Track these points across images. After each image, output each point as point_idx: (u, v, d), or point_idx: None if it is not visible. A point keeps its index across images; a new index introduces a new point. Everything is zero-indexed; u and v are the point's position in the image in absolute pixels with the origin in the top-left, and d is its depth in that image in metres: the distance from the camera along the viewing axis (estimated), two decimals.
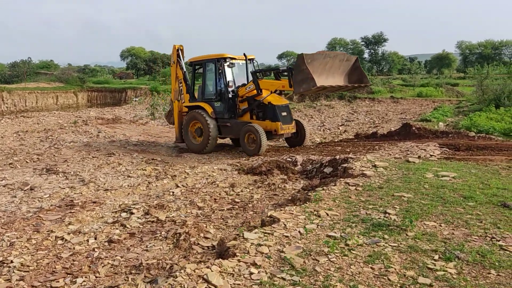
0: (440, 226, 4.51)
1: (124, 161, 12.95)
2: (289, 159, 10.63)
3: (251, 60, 14.27)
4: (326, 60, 11.33)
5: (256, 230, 4.79)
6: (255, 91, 12.93)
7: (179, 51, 15.19)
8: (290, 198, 8.05)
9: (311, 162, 10.18)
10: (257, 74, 13.21)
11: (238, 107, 13.65)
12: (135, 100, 34.75)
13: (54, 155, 14.23)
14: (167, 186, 9.88)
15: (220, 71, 13.59)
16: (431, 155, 8.96)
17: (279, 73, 13.38)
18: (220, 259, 4.14)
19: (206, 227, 6.75)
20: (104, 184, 10.29)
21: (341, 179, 6.57)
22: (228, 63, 13.52)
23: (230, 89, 13.51)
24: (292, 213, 5.00)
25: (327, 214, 4.88)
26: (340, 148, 12.04)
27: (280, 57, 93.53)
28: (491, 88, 19.51)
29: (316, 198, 5.55)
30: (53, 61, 68.76)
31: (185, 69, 15.19)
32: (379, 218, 4.73)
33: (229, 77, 13.62)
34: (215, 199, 8.37)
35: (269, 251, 4.15)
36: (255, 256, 4.05)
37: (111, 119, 24.81)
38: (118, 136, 18.57)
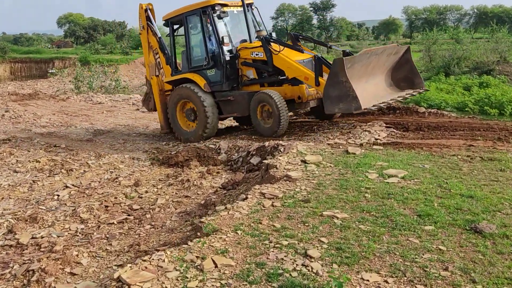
0: (386, 283, 2.92)
1: (19, 150, 10.72)
2: (212, 146, 8.85)
3: (249, 5, 10.23)
4: (371, 59, 8.32)
5: None
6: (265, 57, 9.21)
7: (148, 11, 11.22)
8: (203, 202, 6.36)
9: (237, 150, 8.45)
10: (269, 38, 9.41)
11: (241, 72, 9.80)
12: (50, 72, 31.39)
13: None
14: (56, 185, 7.89)
15: (208, 25, 9.75)
16: (376, 139, 7.45)
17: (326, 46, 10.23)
18: None
19: (77, 255, 4.90)
20: None
21: (257, 187, 4.88)
22: (218, 13, 9.63)
23: (226, 49, 9.66)
24: (161, 268, 3.23)
25: (216, 266, 3.17)
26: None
27: None
28: (440, 55, 18.42)
29: (209, 228, 3.81)
30: None
31: (159, 34, 11.27)
32: (293, 271, 3.06)
33: (222, 31, 9.75)
34: (106, 206, 6.50)
35: None
36: None
37: (27, 95, 21.94)
38: (26, 116, 16.03)
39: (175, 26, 10.90)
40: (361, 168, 5.43)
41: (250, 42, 9.76)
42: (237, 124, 11.80)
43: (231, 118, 11.17)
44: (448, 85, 12.54)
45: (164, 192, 7.10)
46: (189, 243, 3.53)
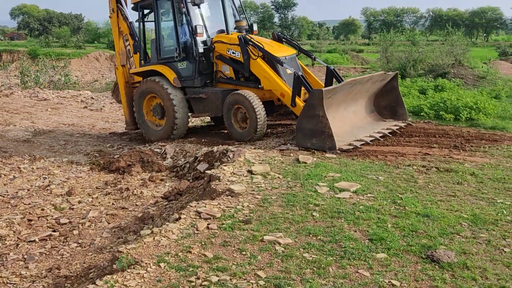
0: None
1: None
2: (157, 150, 8.22)
3: None
4: (354, 88, 7.61)
5: None
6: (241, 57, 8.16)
7: None
8: (140, 215, 5.77)
9: (184, 155, 7.87)
10: (249, 37, 8.27)
11: (216, 67, 8.68)
12: None
13: None
14: None
15: (181, 12, 8.67)
16: None
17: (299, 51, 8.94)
18: None
19: None
20: None
21: (193, 204, 4.33)
22: (191, 0, 8.50)
23: (200, 39, 8.55)
24: None
25: None
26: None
27: None
28: (396, 56, 18.47)
29: (126, 261, 3.22)
30: None
31: (131, 19, 10.10)
32: None
33: (196, 20, 8.68)
34: (30, 220, 5.77)
35: None
36: None
37: None
38: None
39: (146, 11, 9.78)
40: (311, 180, 4.99)
41: (227, 33, 8.84)
42: (213, 123, 10.72)
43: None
44: (404, 87, 12.39)
45: (99, 202, 6.44)
46: (97, 282, 2.94)
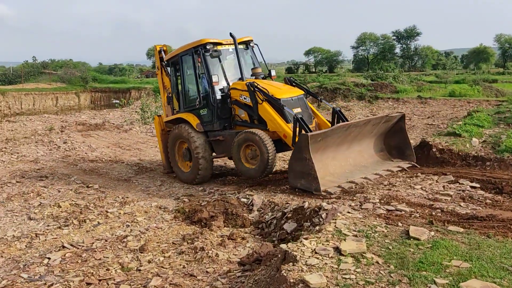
0: None
1: (50, 189, 9.94)
2: (244, 200, 7.28)
3: (247, 43, 10.00)
4: (350, 131, 7.81)
5: None
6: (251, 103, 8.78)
7: (162, 52, 11.13)
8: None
9: (272, 208, 6.81)
10: (256, 83, 8.80)
11: (234, 112, 9.26)
12: (114, 102, 31.71)
13: None
14: (58, 241, 6.74)
15: (200, 65, 9.36)
16: (452, 212, 5.41)
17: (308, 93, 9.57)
18: None
19: None
20: None
21: None
22: (210, 52, 9.23)
23: (217, 87, 9.25)
24: None
25: None
26: None
27: (307, 53, 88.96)
28: None
29: None
30: (71, 60, 66.95)
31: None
32: None
33: (216, 70, 9.39)
34: (88, 284, 5.13)
35: None
36: None
37: (94, 125, 22.00)
38: (81, 148, 15.64)
39: (177, 66, 10.47)
40: (425, 273, 3.50)
41: (243, 80, 9.24)
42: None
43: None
44: None
45: (169, 264, 5.63)
46: None
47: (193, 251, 5.88)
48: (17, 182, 10.77)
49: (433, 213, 5.48)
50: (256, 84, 8.65)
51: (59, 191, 9.80)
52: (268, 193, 7.52)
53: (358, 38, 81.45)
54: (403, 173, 7.90)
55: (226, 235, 6.30)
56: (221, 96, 9.31)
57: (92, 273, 5.38)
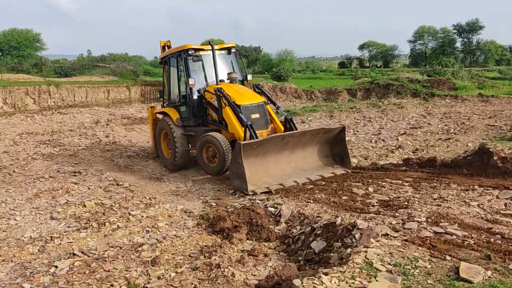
0: None
1: (80, 186, 9.72)
2: (272, 209, 6.57)
3: (229, 49, 11.20)
4: (287, 140, 8.74)
5: None
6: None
7: (166, 47, 12.21)
8: None
9: (301, 221, 6.06)
10: (223, 88, 9.84)
11: (208, 111, 10.48)
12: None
13: (14, 171, 11.39)
14: (73, 246, 6.35)
15: (181, 67, 10.69)
16: None
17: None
18: None
19: None
20: (5, 232, 7.15)
21: None
22: (192, 57, 10.47)
23: (195, 88, 10.46)
24: None
25: None
26: (365, 187, 7.66)
27: (361, 47, 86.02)
28: None
29: None
30: (127, 54, 68.49)
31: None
32: None
33: (196, 73, 10.64)
34: None
35: None
36: None
37: (138, 119, 22.07)
38: (122, 143, 15.54)
39: (166, 66, 11.78)
40: None
41: (217, 83, 10.33)
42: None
43: None
44: None
45: (180, 282, 5.04)
46: None
47: (209, 267, 5.26)
48: (50, 177, 10.66)
49: (492, 240, 4.53)
50: (222, 90, 9.67)
51: (89, 188, 9.55)
52: (300, 202, 6.77)
53: (416, 32, 77.83)
54: (456, 185, 6.87)
55: (247, 250, 5.63)
56: (198, 96, 10.49)
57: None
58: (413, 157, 9.93)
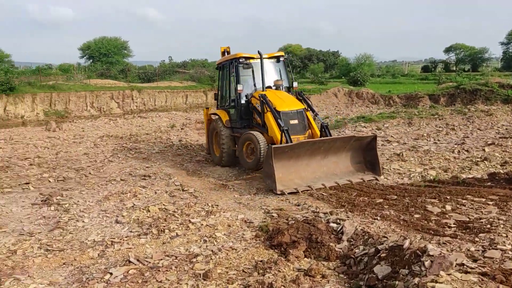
0: None
1: (148, 189, 9.88)
2: (334, 225, 6.10)
3: (278, 58, 11.82)
4: (318, 145, 9.29)
5: None
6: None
7: (226, 53, 12.97)
8: None
9: (365, 240, 5.53)
10: (268, 95, 10.52)
11: (253, 115, 11.19)
12: None
13: (90, 173, 11.92)
14: (130, 253, 6.33)
15: (233, 74, 11.56)
16: None
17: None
18: None
19: None
20: (71, 234, 7.36)
21: None
22: (242, 64, 11.28)
23: (243, 93, 11.29)
24: None
25: None
26: (441, 204, 6.88)
27: (447, 50, 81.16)
28: None
29: None
30: (207, 60, 70.69)
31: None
32: None
33: (246, 79, 11.53)
34: None
35: None
36: None
37: None
38: (192, 147, 15.78)
39: (221, 72, 12.84)
40: None
41: (263, 89, 10.99)
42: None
43: None
44: None
45: None
46: None
47: (261, 286, 4.92)
48: (121, 180, 10.97)
49: None
50: (265, 96, 10.33)
51: (155, 193, 9.66)
52: (365, 219, 6.22)
53: (509, 33, 71.85)
54: None
55: (304, 269, 5.22)
56: (245, 101, 11.23)
57: None
58: (501, 171, 8.88)
